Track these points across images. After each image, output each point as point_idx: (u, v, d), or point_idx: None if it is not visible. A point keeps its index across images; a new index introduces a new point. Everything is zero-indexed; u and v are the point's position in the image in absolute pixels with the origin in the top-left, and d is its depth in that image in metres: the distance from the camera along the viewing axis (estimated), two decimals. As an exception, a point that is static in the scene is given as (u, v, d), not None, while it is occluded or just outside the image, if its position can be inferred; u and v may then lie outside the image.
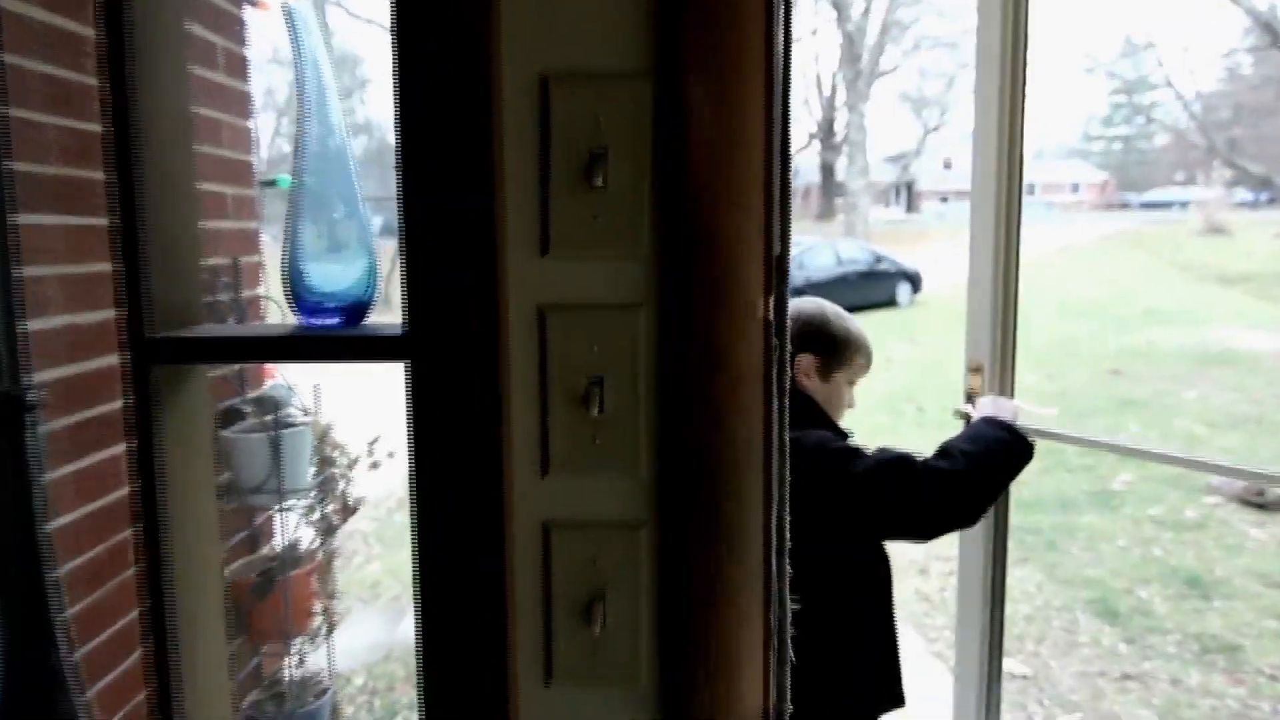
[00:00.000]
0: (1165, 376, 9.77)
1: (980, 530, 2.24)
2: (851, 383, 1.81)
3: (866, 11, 28.60)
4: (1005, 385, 2.16)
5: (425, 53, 0.63)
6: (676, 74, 0.65)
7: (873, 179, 34.40)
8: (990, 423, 1.80)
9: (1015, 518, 5.52)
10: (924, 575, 4.61)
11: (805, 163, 55.25)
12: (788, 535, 0.69)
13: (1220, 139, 25.22)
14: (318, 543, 2.02)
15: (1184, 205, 43.71)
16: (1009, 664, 3.73)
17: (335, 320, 0.74)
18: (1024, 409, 1.98)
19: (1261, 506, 5.41)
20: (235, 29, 2.11)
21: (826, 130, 46.74)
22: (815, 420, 1.73)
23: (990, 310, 2.07)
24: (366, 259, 0.76)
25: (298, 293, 0.73)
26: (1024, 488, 6.06)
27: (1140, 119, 64.38)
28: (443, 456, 0.65)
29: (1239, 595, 4.17)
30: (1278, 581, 4.30)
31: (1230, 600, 4.13)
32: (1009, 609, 4.20)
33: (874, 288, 17.35)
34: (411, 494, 0.66)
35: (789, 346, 0.67)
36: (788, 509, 0.69)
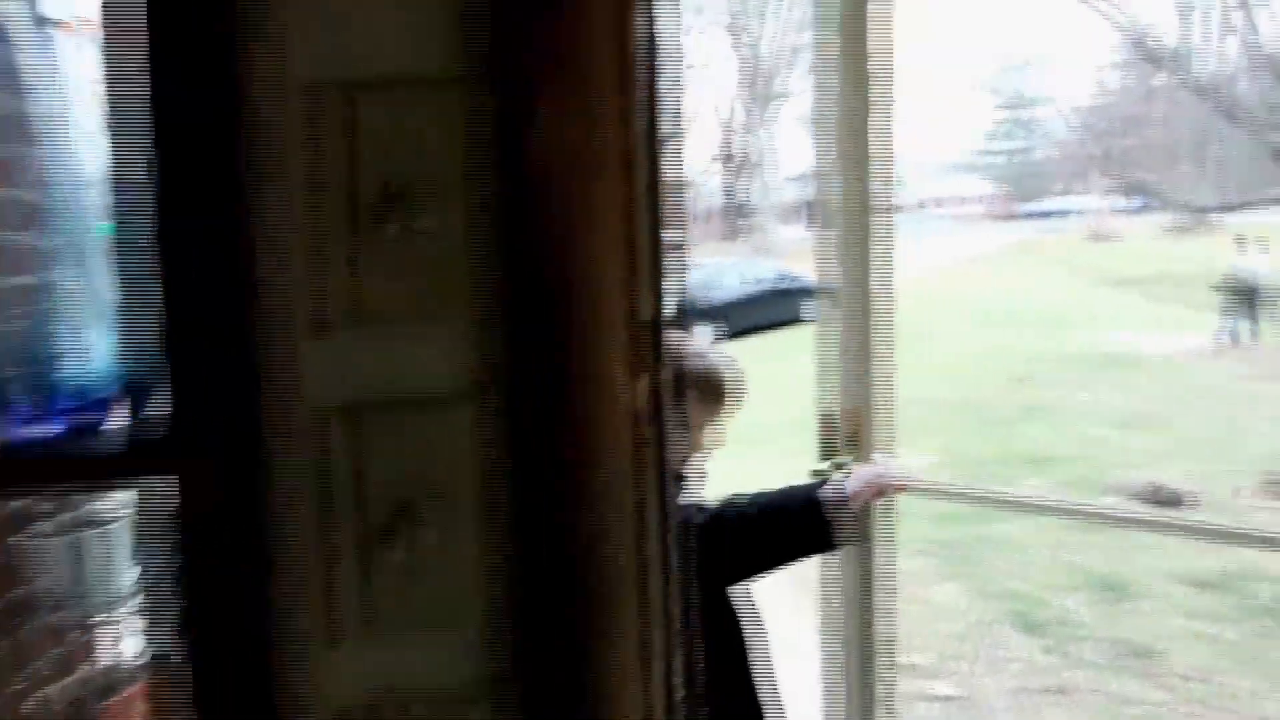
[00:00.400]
0: (1068, 381, 10.08)
1: (845, 568, 1.89)
2: (689, 425, 1.62)
3: (760, 37, 29.25)
4: (865, 440, 1.82)
5: (166, 70, 0.48)
6: (512, 80, 0.51)
7: (779, 198, 35.07)
8: (809, 499, 1.57)
9: (933, 531, 5.56)
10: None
11: (712, 185, 56.09)
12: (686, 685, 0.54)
13: (1099, 149, 26.52)
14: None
15: (1071, 214, 45.88)
16: (937, 686, 3.69)
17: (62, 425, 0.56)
18: (887, 478, 1.82)
19: (1162, 504, 5.55)
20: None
21: (729, 153, 47.60)
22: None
23: (849, 347, 1.80)
24: (109, 336, 0.58)
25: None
26: (938, 501, 6.11)
27: (1023, 133, 67.64)
28: (202, 620, 0.48)
29: (1154, 596, 4.24)
30: (1184, 577, 4.39)
31: (1145, 600, 4.19)
32: (931, 626, 4.19)
33: (783, 305, 17.52)
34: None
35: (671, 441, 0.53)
36: (684, 653, 0.54)
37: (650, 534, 0.52)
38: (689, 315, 17.55)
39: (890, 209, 1.88)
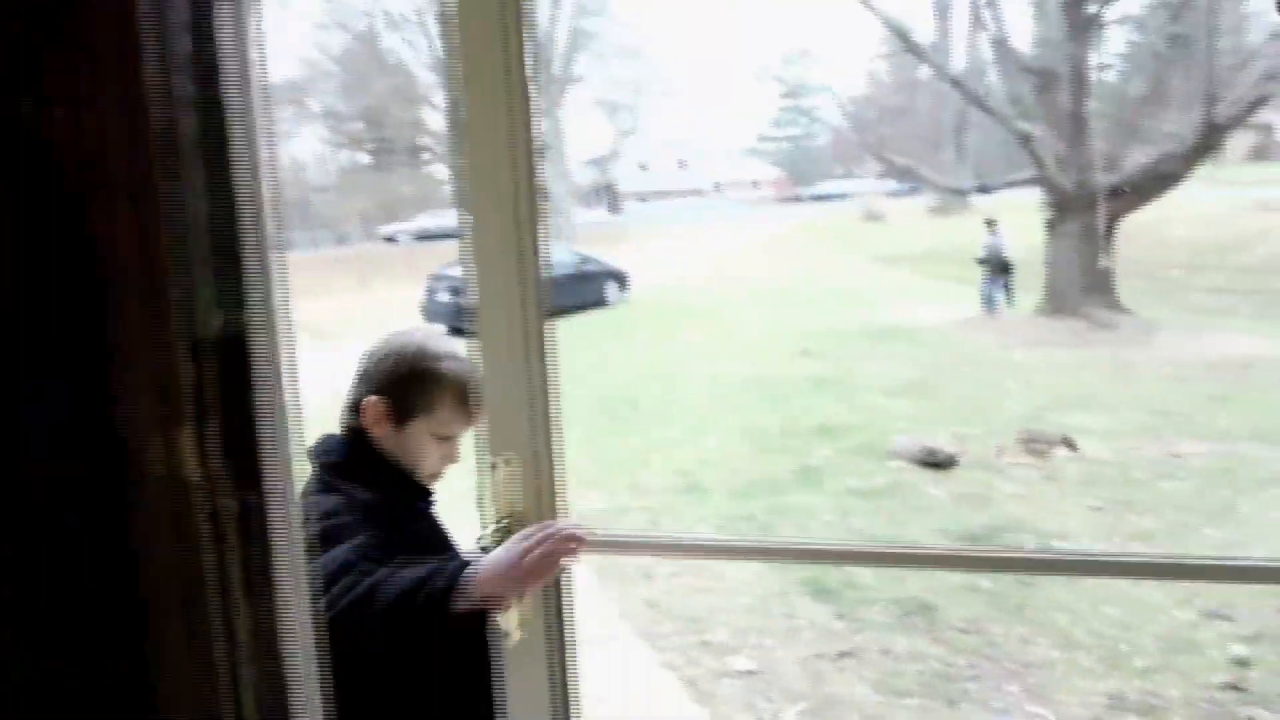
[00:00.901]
0: (848, 354, 10.66)
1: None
2: (441, 435, 1.41)
3: (553, 19, 29.04)
4: (543, 495, 1.38)
5: None
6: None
7: (573, 182, 35.06)
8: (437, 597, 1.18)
9: (728, 506, 5.65)
10: (649, 580, 4.51)
11: (509, 169, 55.27)
12: None
13: (870, 136, 28.42)
14: None
15: (846, 196, 49.16)
16: (736, 661, 3.70)
17: None
18: (559, 547, 1.32)
19: (937, 466, 5.92)
20: None
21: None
22: (382, 483, 1.37)
23: (516, 386, 1.35)
24: None
25: None
26: (735, 476, 6.22)
27: (804, 120, 71.71)
28: None
29: (929, 554, 4.47)
30: (958, 535, 4.67)
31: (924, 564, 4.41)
32: (727, 601, 4.22)
33: (582, 289, 17.54)
34: None
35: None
36: None
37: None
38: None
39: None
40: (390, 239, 37.37)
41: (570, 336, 15.03)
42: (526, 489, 1.34)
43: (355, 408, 1.41)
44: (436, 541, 1.47)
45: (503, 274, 1.36)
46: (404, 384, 1.41)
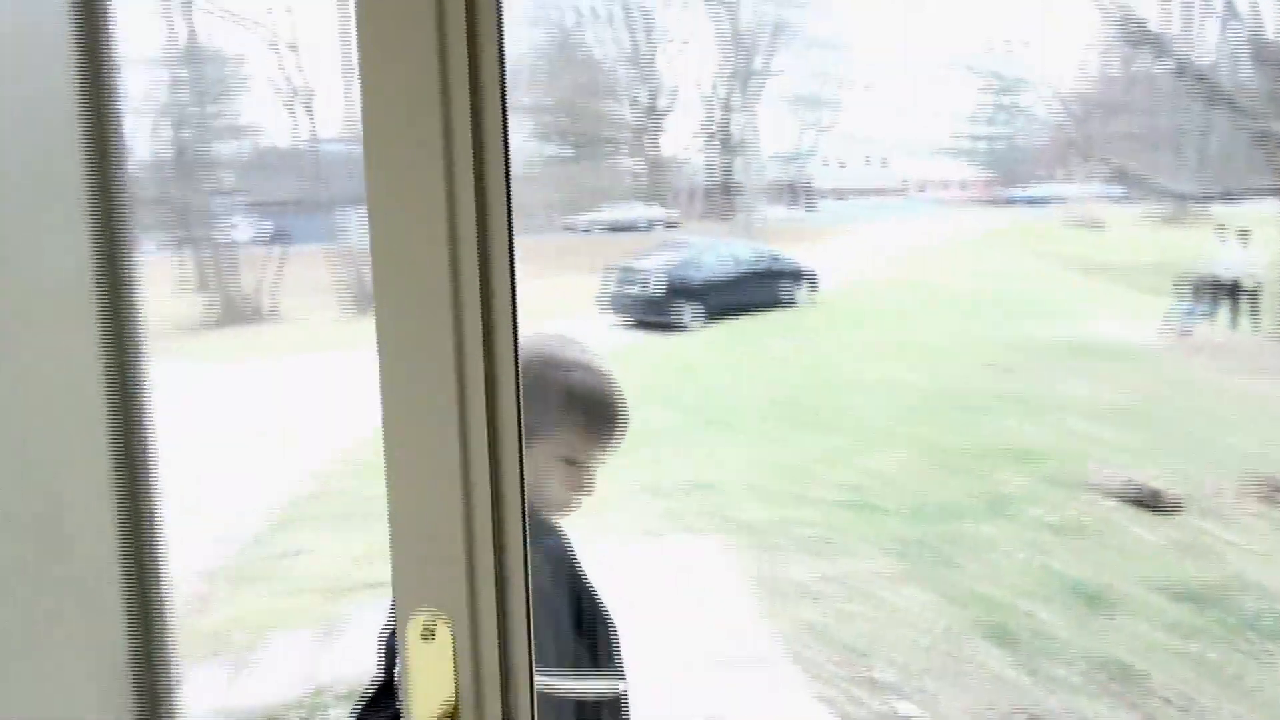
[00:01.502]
0: (1044, 370, 9.82)
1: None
2: (571, 460, 1.21)
3: (755, 13, 28.71)
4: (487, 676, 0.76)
5: None
6: None
7: (768, 178, 34.64)
8: None
9: (902, 528, 5.27)
10: (813, 601, 4.25)
11: (704, 164, 55.66)
12: None
13: (1081, 135, 26.24)
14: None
15: (1061, 201, 45.77)
16: (900, 706, 3.39)
17: None
18: None
19: (1148, 506, 5.27)
20: None
21: (723, 131, 47.07)
22: None
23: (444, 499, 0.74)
24: None
25: None
26: (912, 495, 5.81)
27: (1019, 118, 67.51)
28: None
29: (1141, 612, 3.95)
30: (1175, 593, 4.10)
31: (1131, 617, 3.90)
32: (896, 634, 3.89)
33: (769, 288, 17.23)
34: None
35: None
36: None
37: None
38: (677, 294, 17.03)
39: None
40: (578, 229, 38.45)
41: (750, 335, 14.90)
42: (462, 668, 0.74)
43: None
44: (571, 594, 1.25)
45: (421, 319, 0.69)
46: (526, 400, 1.16)
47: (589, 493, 1.24)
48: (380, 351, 0.63)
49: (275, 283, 23.54)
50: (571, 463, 1.20)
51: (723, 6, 28.86)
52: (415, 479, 0.70)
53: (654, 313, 15.71)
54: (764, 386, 10.26)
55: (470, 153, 0.62)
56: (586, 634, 1.20)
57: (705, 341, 14.16)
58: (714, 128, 48.36)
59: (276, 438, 9.83)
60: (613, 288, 16.81)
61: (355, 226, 29.86)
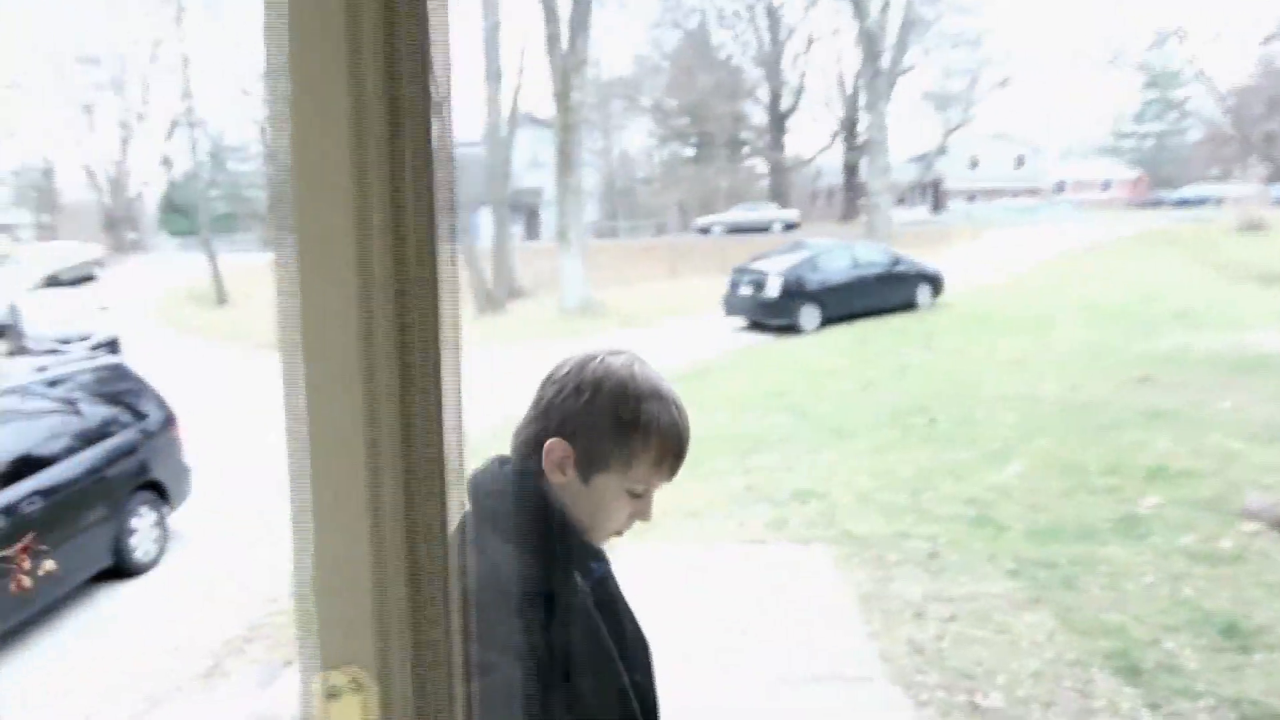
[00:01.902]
0: (1198, 385, 9.11)
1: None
2: (636, 493, 1.16)
3: (885, 8, 27.94)
4: None
5: None
6: None
7: (894, 179, 33.66)
8: None
9: (1029, 550, 4.98)
10: (919, 620, 4.07)
11: (829, 164, 54.70)
12: None
13: (1256, 133, 24.27)
14: None
15: (1219, 202, 42.66)
16: (1010, 736, 3.19)
17: None
18: None
19: (1308, 536, 4.81)
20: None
21: (849, 130, 45.98)
22: (550, 542, 1.12)
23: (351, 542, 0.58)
24: None
25: None
26: (1038, 513, 5.49)
27: (1173, 114, 63.34)
28: None
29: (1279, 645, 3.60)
30: (1329, 631, 3.72)
31: (1273, 654, 3.55)
32: (1009, 660, 3.68)
33: (892, 291, 16.77)
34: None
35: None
36: None
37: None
38: (795, 297, 16.84)
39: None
40: (704, 230, 38.46)
41: (869, 339, 14.51)
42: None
43: (534, 444, 1.15)
44: (614, 618, 1.20)
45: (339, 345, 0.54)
46: (598, 430, 1.13)
47: (648, 520, 1.19)
48: (284, 386, 0.54)
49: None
50: (636, 495, 1.16)
51: (850, 3, 28.22)
52: (322, 523, 0.60)
53: (771, 314, 15.52)
54: (883, 393, 9.94)
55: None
56: (624, 655, 1.16)
57: (823, 344, 13.87)
58: (839, 127, 47.28)
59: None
60: (732, 289, 16.72)
61: (481, 226, 30.72)
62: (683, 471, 1.17)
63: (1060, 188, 58.45)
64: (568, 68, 19.73)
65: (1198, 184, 51.18)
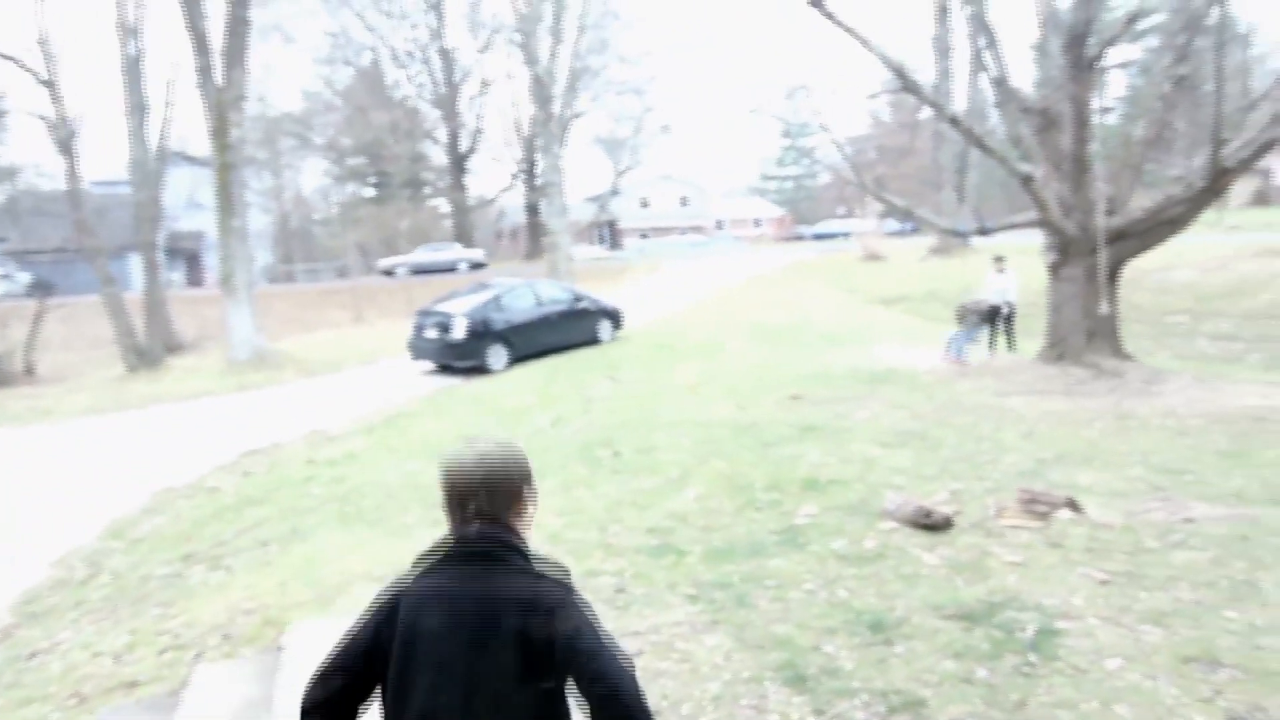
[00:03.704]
0: (840, 398, 10.24)
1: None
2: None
3: (554, 56, 28.98)
4: None
5: None
6: None
7: (573, 218, 34.87)
8: None
9: (706, 572, 5.20)
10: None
11: (512, 203, 55.54)
12: None
13: (868, 177, 28.17)
14: None
15: (847, 236, 49.20)
16: (696, 765, 3.25)
17: None
18: None
19: (931, 528, 5.49)
20: None
21: (529, 171, 47.05)
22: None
23: None
24: None
25: None
26: (714, 534, 5.79)
27: (805, 160, 72.22)
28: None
29: (919, 635, 4.03)
30: (950, 613, 4.23)
31: (911, 641, 3.97)
32: (697, 691, 3.78)
33: (576, 327, 17.26)
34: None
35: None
36: None
37: None
38: (482, 337, 16.75)
39: None
40: (388, 272, 37.25)
41: (560, 376, 14.69)
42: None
43: None
44: None
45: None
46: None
47: None
48: None
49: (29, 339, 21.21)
50: None
51: (523, 50, 28.96)
52: None
53: (459, 356, 15.32)
54: (571, 429, 10.10)
55: None
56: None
57: (512, 383, 13.88)
58: (519, 168, 48.26)
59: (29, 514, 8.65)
60: (417, 333, 16.26)
61: (132, 274, 27.39)
62: (370, 530, 1.14)
63: (721, 225, 64.14)
64: (224, 102, 18.20)
65: (828, 221, 58.82)
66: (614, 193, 44.46)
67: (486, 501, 1.72)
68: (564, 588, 1.71)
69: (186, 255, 41.11)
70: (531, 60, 28.28)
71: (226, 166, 18.59)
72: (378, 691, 1.73)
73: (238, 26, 18.42)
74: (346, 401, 13.76)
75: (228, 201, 18.64)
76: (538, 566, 1.73)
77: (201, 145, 29.48)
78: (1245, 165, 10.26)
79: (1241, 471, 6.61)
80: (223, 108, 18.36)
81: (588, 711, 1.63)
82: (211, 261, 33.52)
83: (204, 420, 13.24)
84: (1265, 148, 10.02)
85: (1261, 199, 45.32)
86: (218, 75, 18.35)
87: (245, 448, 10.81)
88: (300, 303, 30.78)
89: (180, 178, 32.69)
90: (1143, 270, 20.14)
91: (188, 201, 35.62)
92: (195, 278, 41.07)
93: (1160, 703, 3.32)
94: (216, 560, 6.77)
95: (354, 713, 1.73)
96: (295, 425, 11.96)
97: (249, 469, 9.85)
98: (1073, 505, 5.70)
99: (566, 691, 1.70)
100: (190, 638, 5.10)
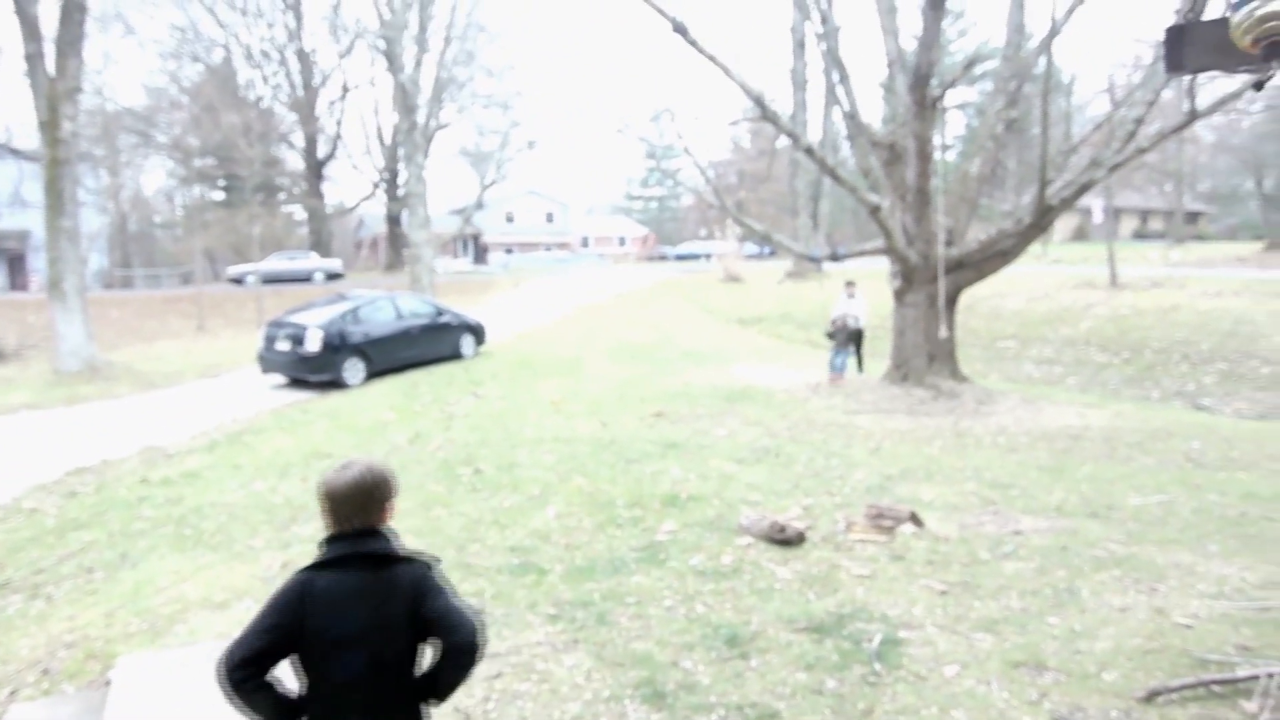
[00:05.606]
0: (700, 415, 10.47)
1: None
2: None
3: (419, 65, 28.43)
4: None
5: None
6: None
7: (437, 231, 34.21)
8: None
9: (567, 591, 5.19)
10: (465, 685, 3.98)
11: (372, 213, 53.94)
12: None
13: (729, 200, 29.08)
14: None
15: (708, 257, 50.53)
16: (554, 788, 3.23)
17: None
18: None
19: (785, 543, 5.68)
20: None
21: (391, 181, 45.83)
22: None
23: None
24: None
25: None
26: (575, 552, 5.78)
27: (669, 181, 73.72)
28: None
29: (773, 648, 4.16)
30: (802, 626, 4.38)
31: (765, 655, 4.09)
32: (557, 712, 3.76)
33: (438, 341, 16.91)
34: None
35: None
36: None
37: None
38: (338, 350, 16.13)
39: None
40: (237, 280, 35.39)
41: (420, 391, 14.31)
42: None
43: None
44: None
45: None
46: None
47: None
48: None
49: None
50: None
51: (387, 57, 28.26)
52: None
53: (313, 369, 14.71)
54: (431, 446, 9.88)
55: None
56: None
57: (369, 398, 13.44)
58: (380, 177, 46.98)
59: None
60: (268, 344, 15.52)
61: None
62: (211, 554, 1.09)
63: (586, 242, 64.50)
64: (57, 94, 16.87)
65: (691, 242, 60.21)
66: (479, 206, 43.91)
67: (361, 512, 2.20)
68: (426, 565, 2.21)
69: (9, 256, 37.81)
70: (396, 68, 27.64)
71: (57, 161, 17.23)
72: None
73: (73, 13, 17.16)
74: (188, 417, 12.95)
75: (57, 199, 17.27)
76: (404, 553, 2.22)
77: (30, 138, 27.28)
78: (1067, 203, 11.21)
79: (1061, 486, 7.18)
80: (55, 99, 17.03)
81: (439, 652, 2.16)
82: (38, 264, 30.92)
83: (24, 436, 12.15)
84: (1084, 188, 10.97)
85: (1081, 235, 49.68)
86: (50, 64, 17.02)
87: (71, 466, 9.99)
88: (139, 310, 28.79)
89: (4, 172, 30.06)
90: (978, 298, 21.58)
91: (12, 198, 32.80)
92: (19, 281, 37.80)
93: (993, 706, 3.55)
94: (35, 589, 6.22)
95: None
96: (129, 442, 11.16)
97: (74, 489, 9.11)
98: (915, 519, 6.03)
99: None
100: (3, 675, 4.66)
